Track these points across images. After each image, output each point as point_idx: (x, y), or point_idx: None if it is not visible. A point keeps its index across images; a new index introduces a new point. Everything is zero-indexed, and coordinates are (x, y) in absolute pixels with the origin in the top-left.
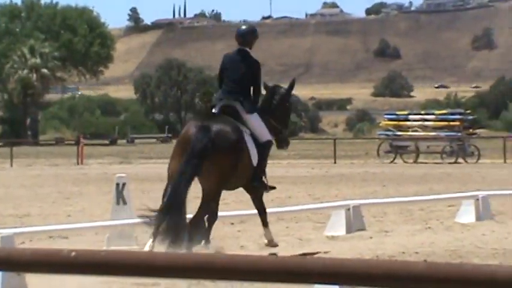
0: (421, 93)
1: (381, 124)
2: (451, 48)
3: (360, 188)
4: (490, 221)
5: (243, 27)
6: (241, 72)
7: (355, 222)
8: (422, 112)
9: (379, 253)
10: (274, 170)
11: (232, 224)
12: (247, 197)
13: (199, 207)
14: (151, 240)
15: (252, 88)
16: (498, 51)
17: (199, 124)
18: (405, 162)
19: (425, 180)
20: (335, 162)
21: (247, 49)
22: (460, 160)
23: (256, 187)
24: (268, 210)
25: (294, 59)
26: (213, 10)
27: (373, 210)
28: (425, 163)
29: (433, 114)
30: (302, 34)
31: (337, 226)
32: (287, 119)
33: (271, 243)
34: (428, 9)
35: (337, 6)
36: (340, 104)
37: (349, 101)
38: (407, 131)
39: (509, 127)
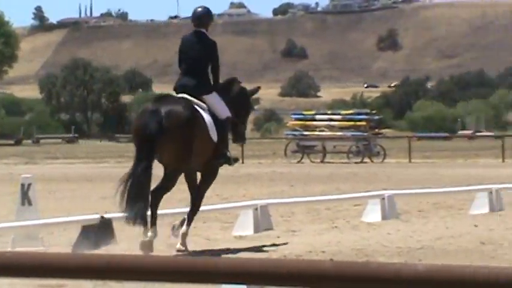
0: (328, 93)
1: (288, 124)
2: (357, 48)
3: (267, 188)
4: (396, 220)
5: (199, 9)
6: (197, 53)
7: (262, 222)
8: (329, 112)
9: (286, 252)
10: None
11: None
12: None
13: (161, 185)
14: (143, 230)
15: (210, 67)
16: (403, 52)
17: (149, 109)
18: (312, 162)
19: (332, 180)
20: (243, 162)
21: (204, 30)
22: (366, 160)
23: (222, 163)
24: (175, 210)
25: None
26: (119, 9)
27: (281, 210)
28: (332, 163)
29: (339, 114)
30: (209, 34)
31: (245, 226)
32: (247, 113)
33: (184, 244)
34: (335, 10)
35: (244, 7)
36: None
37: (256, 101)
38: (314, 131)
39: (414, 127)
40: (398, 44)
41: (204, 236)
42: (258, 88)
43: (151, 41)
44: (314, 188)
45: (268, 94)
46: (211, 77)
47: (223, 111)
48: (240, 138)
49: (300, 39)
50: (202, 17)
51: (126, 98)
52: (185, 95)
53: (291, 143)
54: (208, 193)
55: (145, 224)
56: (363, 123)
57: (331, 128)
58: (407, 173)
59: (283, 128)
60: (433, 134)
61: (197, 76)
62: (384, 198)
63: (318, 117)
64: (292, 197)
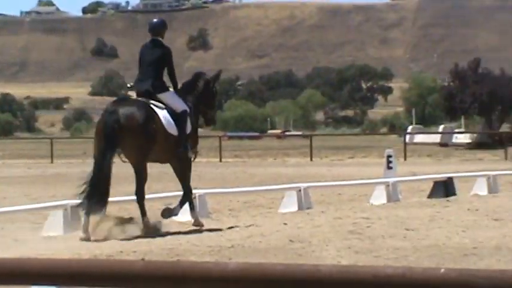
0: None
1: None
2: None
3: (78, 188)
4: (207, 219)
5: (154, 20)
6: (153, 58)
7: (73, 223)
8: None
9: (97, 253)
10: None
11: None
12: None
13: (135, 180)
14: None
15: (166, 70)
16: (213, 51)
17: (108, 110)
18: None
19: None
20: (52, 162)
21: (159, 38)
22: None
23: (182, 152)
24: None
25: (9, 57)
26: None
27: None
28: None
29: None
30: (17, 32)
31: (55, 226)
32: (213, 101)
33: (197, 223)
34: (145, 9)
35: (53, 5)
36: (57, 103)
37: (66, 100)
38: None
39: (225, 126)
40: (209, 44)
41: (12, 237)
42: (220, 71)
43: None
44: (124, 188)
45: (78, 93)
46: (166, 79)
47: (179, 106)
48: (209, 122)
49: (110, 38)
50: (157, 27)
51: None
52: (141, 98)
53: None
54: (17, 193)
55: (95, 214)
56: None
57: None
58: (218, 172)
59: (94, 127)
60: (243, 134)
61: (153, 78)
62: (195, 198)
63: None
64: None
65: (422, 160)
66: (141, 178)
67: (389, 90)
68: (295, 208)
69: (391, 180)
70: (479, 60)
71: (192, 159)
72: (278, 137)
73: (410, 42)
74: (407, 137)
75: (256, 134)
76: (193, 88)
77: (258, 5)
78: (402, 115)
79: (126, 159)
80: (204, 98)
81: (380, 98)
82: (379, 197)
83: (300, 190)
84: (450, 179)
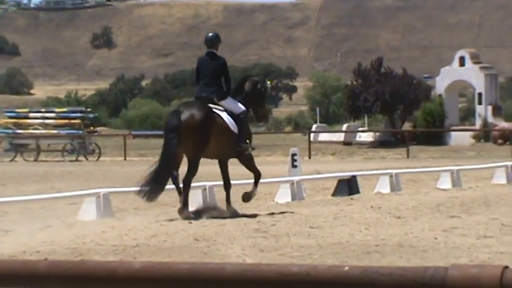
0: (42, 90)
1: (0, 122)
2: (72, 46)
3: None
4: (111, 218)
5: (210, 34)
6: (212, 69)
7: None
8: (43, 110)
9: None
10: None
11: None
12: None
13: (188, 171)
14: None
15: (222, 79)
16: (117, 49)
17: (172, 110)
18: (26, 160)
19: (47, 179)
20: None
21: (214, 51)
22: (82, 158)
23: (242, 147)
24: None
25: None
26: None
27: None
28: (47, 161)
29: (53, 112)
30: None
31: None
32: (262, 100)
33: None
34: (48, 7)
35: None
36: None
37: None
38: (28, 129)
39: (129, 125)
40: (113, 42)
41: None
42: (264, 76)
43: None
44: (28, 187)
45: None
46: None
47: (237, 109)
48: (261, 119)
49: (11, 35)
50: (213, 41)
51: None
52: (199, 101)
53: (4, 142)
54: None
55: (152, 200)
56: (78, 121)
57: (45, 126)
58: (122, 171)
59: None
60: (148, 132)
61: (213, 87)
62: (99, 197)
63: (31, 115)
64: (5, 196)
65: (327, 158)
66: (193, 170)
67: (293, 89)
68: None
69: (295, 178)
70: (381, 60)
71: (250, 150)
72: None
73: (314, 41)
74: (312, 135)
75: (162, 132)
76: (241, 91)
77: (162, 4)
78: (306, 114)
79: (185, 154)
80: (253, 98)
81: (284, 96)
82: (283, 195)
83: (205, 189)
84: (354, 177)
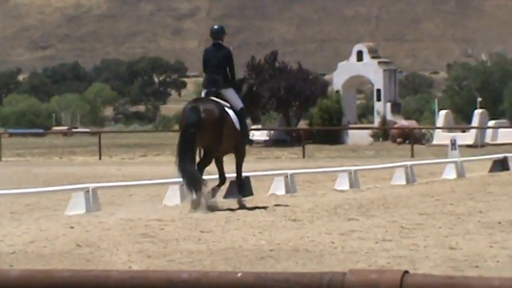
0: None
1: None
2: None
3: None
4: None
5: (215, 26)
6: (218, 59)
7: None
8: None
9: None
10: None
11: None
12: None
13: (202, 161)
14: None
15: (228, 69)
16: None
17: (191, 106)
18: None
19: None
20: None
21: (220, 42)
22: None
23: (246, 142)
24: None
25: None
26: None
27: None
28: None
29: None
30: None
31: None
32: (258, 102)
33: (242, 204)
34: None
35: None
36: None
37: None
38: None
39: (5, 122)
40: None
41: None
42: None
43: None
44: None
45: None
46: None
47: (238, 104)
48: (256, 120)
49: None
50: (218, 33)
51: None
52: (214, 98)
53: None
54: None
55: (196, 189)
56: None
57: None
58: None
59: None
60: (26, 130)
61: (218, 75)
62: None
63: None
64: None
65: None
66: (208, 161)
67: (183, 85)
68: (82, 210)
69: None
70: (276, 54)
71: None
72: (64, 134)
73: (205, 33)
74: None
75: (40, 130)
76: (240, 91)
77: None
78: None
79: (202, 147)
80: (250, 99)
81: (173, 92)
82: (172, 197)
83: (88, 191)
84: (247, 178)
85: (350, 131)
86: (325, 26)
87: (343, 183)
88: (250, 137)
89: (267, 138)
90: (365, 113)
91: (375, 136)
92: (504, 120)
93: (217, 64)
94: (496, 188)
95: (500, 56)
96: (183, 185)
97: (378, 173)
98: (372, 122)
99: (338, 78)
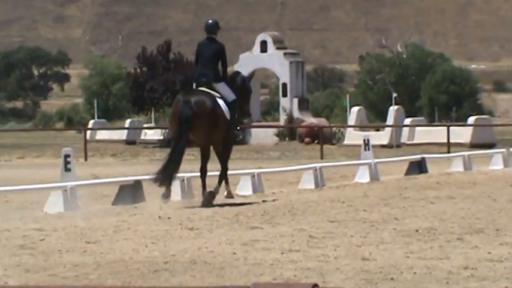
0: None
1: None
2: None
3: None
4: None
5: (210, 21)
6: (210, 53)
7: None
8: None
9: None
10: None
11: None
12: None
13: (201, 159)
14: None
15: (220, 63)
16: None
17: (183, 99)
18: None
19: None
20: None
21: (214, 36)
22: None
23: (235, 133)
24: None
25: None
26: None
27: None
28: None
29: None
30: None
31: None
32: (248, 96)
33: (230, 195)
34: None
35: None
36: None
37: None
38: None
39: None
40: None
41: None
42: (253, 73)
43: None
44: None
45: None
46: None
47: (230, 96)
48: (245, 114)
49: None
50: (212, 27)
51: None
52: (205, 89)
53: None
54: None
55: (168, 186)
56: None
57: None
58: None
59: None
60: None
61: (211, 69)
62: None
63: None
64: None
65: (106, 160)
66: (206, 157)
67: (66, 78)
68: None
69: (69, 184)
70: (170, 43)
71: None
72: None
73: (91, 21)
74: (89, 133)
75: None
76: (232, 84)
77: None
78: (82, 107)
79: (196, 141)
80: (241, 93)
81: (55, 86)
82: (55, 204)
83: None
84: (138, 182)
85: (253, 130)
86: (225, 14)
87: (245, 188)
88: (238, 129)
89: (162, 137)
90: (270, 110)
91: (281, 135)
92: (421, 118)
93: (210, 58)
94: (413, 193)
95: (417, 47)
96: (156, 180)
97: (284, 176)
98: (278, 120)
99: (240, 71)
